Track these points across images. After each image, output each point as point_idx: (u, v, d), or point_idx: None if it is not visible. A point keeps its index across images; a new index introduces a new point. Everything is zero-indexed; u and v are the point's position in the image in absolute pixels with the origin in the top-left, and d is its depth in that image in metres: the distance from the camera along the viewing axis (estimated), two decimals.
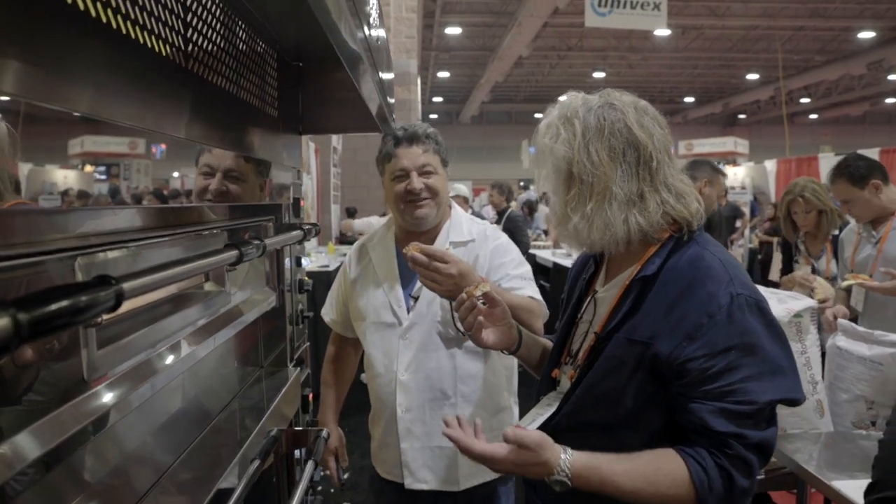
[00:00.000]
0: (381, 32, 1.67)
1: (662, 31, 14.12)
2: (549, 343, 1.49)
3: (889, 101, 25.30)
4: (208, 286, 1.07)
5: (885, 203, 2.77)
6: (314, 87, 1.57)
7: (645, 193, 1.14)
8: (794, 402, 1.11)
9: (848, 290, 2.86)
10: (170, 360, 0.88)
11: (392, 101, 1.86)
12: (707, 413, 1.07)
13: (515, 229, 6.32)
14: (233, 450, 1.09)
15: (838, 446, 2.02)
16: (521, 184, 18.48)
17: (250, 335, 1.43)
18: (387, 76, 1.68)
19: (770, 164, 14.75)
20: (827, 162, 11.92)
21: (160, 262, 0.62)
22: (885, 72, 19.20)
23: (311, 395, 1.60)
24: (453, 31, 17.20)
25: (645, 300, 1.15)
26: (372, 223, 6.33)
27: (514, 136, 27.56)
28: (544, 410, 1.25)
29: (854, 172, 2.75)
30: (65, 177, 0.61)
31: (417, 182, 1.78)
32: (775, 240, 7.89)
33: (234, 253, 0.80)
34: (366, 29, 1.28)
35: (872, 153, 9.29)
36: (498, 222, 6.88)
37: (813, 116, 28.23)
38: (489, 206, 10.09)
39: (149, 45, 0.71)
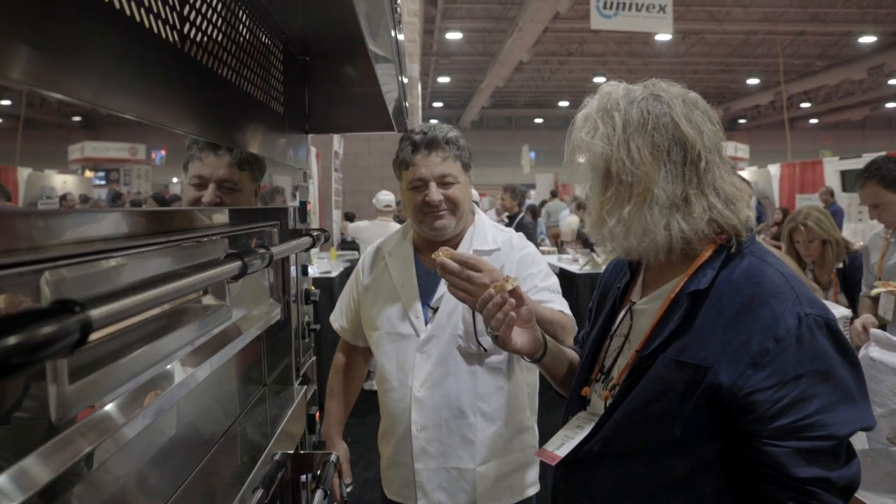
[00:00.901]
0: (402, 34, 1.57)
1: (663, 36, 14.07)
2: (574, 355, 1.37)
3: (889, 105, 25.27)
4: (207, 300, 0.95)
5: None
6: (323, 84, 1.46)
7: (690, 197, 1.03)
8: (868, 430, 0.99)
9: (875, 298, 2.74)
10: (161, 389, 0.76)
11: (407, 104, 1.74)
12: (784, 457, 0.95)
13: (526, 236, 6.13)
14: (235, 479, 1.00)
15: (874, 464, 1.90)
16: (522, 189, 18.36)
17: (252, 351, 1.31)
18: (404, 78, 1.57)
19: (774, 169, 14.66)
20: (831, 166, 11.84)
21: (144, 279, 0.50)
22: (886, 76, 19.19)
23: (317, 414, 1.49)
24: (454, 36, 17.15)
25: (696, 317, 1.02)
26: (360, 227, 6.22)
27: (515, 141, 27.55)
28: (574, 433, 1.13)
29: (886, 175, 2.64)
30: (63, 181, 0.53)
31: (436, 194, 1.66)
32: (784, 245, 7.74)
33: (236, 265, 0.69)
34: (396, 28, 1.17)
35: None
36: (508, 227, 6.69)
37: (813, 121, 28.23)
38: (492, 210, 9.95)
39: (138, 19, 0.60)
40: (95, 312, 0.35)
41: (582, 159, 1.10)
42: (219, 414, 1.16)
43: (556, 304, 1.68)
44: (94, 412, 0.62)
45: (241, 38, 0.96)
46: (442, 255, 1.32)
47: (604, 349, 1.20)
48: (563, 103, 27.47)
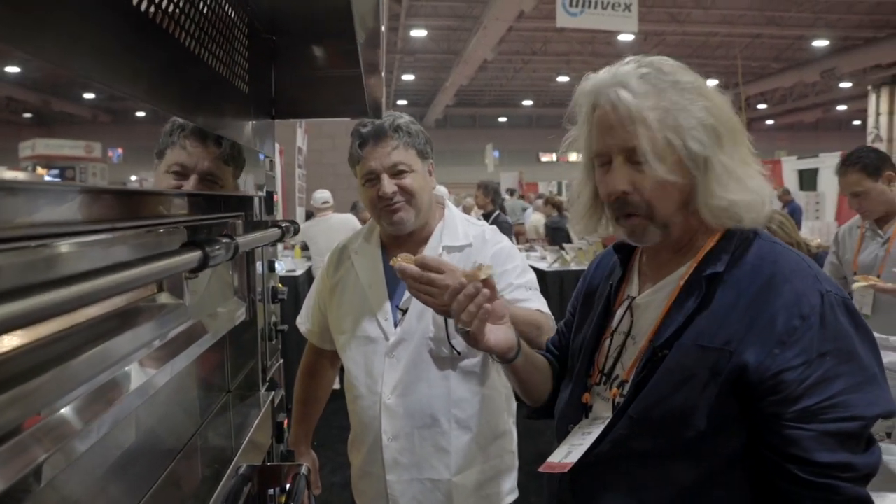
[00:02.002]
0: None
1: (626, 37, 14.20)
2: (544, 360, 1.28)
3: (840, 108, 26.06)
4: (162, 298, 0.85)
5: (895, 198, 2.67)
6: (290, 66, 1.35)
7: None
8: (892, 415, 0.94)
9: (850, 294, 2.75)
10: (110, 397, 0.66)
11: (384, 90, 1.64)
12: (809, 440, 0.89)
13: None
14: (197, 496, 0.91)
15: None
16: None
17: (215, 354, 1.20)
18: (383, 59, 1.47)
19: None
20: (789, 165, 12.15)
21: (73, 274, 0.40)
22: (837, 80, 19.72)
23: (285, 422, 1.38)
24: (418, 33, 17.04)
25: (711, 301, 0.97)
26: (302, 229, 6.05)
27: (479, 139, 27.58)
28: (582, 440, 1.04)
29: (869, 163, 2.64)
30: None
31: (389, 185, 1.55)
32: None
33: (195, 255, 0.58)
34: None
35: (833, 157, 9.42)
36: None
37: (769, 122, 28.93)
38: (459, 208, 9.86)
39: None
40: None
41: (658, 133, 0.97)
42: (178, 424, 1.05)
43: (534, 303, 1.59)
44: (40, 421, 0.52)
45: (203, 4, 0.85)
46: (401, 260, 1.22)
47: (602, 350, 1.12)
48: (527, 102, 27.60)
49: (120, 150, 0.67)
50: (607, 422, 1.03)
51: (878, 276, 2.64)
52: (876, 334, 1.97)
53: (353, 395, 1.67)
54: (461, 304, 1.11)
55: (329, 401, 1.93)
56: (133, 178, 0.71)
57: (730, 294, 0.96)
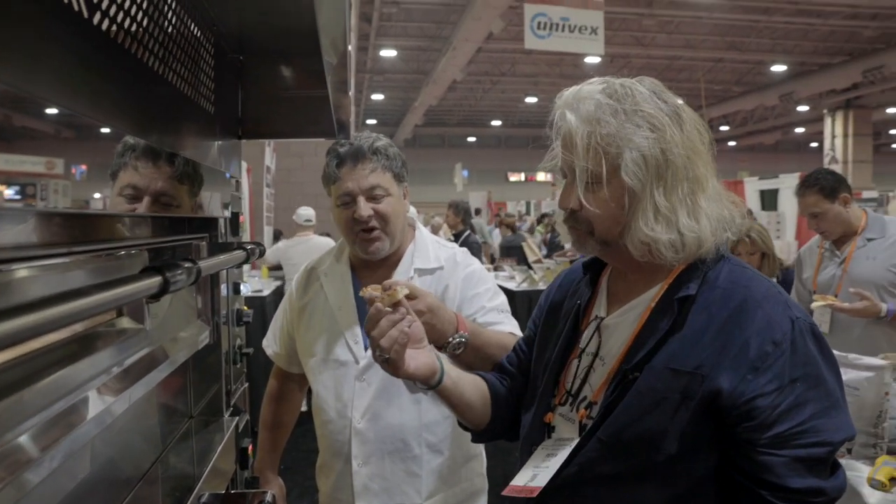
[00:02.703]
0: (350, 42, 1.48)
1: (593, 59, 14.47)
2: (478, 378, 1.25)
3: (798, 130, 26.90)
4: (123, 322, 0.82)
5: (852, 220, 2.75)
6: (258, 86, 1.34)
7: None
8: (852, 438, 0.97)
9: (811, 312, 2.81)
10: (68, 426, 0.63)
11: (351, 92, 1.63)
12: (782, 467, 0.90)
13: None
14: None
15: None
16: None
17: (177, 379, 1.17)
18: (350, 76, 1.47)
19: None
20: (751, 186, 12.44)
21: (33, 299, 0.38)
22: (795, 103, 20.38)
23: (250, 448, 1.35)
24: (388, 53, 17.14)
25: (683, 324, 0.97)
26: (281, 248, 5.90)
27: (448, 159, 27.73)
28: (549, 462, 1.03)
29: (826, 185, 2.73)
30: None
31: (365, 208, 1.53)
32: None
33: (155, 281, 0.57)
34: (347, 23, 1.08)
35: (793, 178, 9.69)
36: None
37: (731, 143, 29.66)
38: (427, 228, 9.87)
39: None
40: None
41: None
42: (137, 452, 1.01)
43: (506, 326, 1.57)
44: None
45: (167, 23, 0.84)
46: (370, 290, 1.17)
47: (568, 370, 1.11)
48: (496, 122, 27.88)
49: (83, 167, 0.66)
50: (574, 443, 1.02)
51: (836, 296, 2.71)
52: (835, 352, 2.03)
53: (323, 419, 1.64)
54: (382, 329, 1.07)
55: (296, 424, 1.89)
56: (97, 195, 0.69)
57: (701, 318, 0.96)
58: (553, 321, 1.21)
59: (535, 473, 1.03)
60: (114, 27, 0.65)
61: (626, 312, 1.06)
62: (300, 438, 1.73)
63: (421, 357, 1.12)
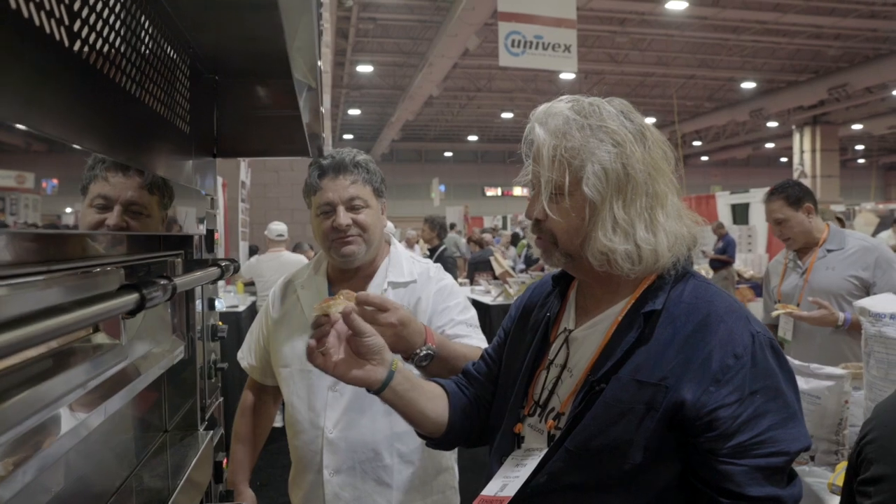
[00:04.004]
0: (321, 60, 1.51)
1: (567, 76, 14.69)
2: (435, 386, 1.27)
3: (769, 145, 27.49)
4: (99, 338, 0.84)
5: (814, 230, 2.84)
6: (233, 105, 1.36)
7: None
8: (808, 449, 1.00)
9: (774, 323, 2.89)
10: (44, 440, 0.65)
11: (324, 109, 1.67)
12: (741, 475, 0.94)
13: (448, 269, 5.93)
14: None
15: None
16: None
17: (152, 393, 1.19)
18: (325, 97, 1.50)
19: None
20: (723, 200, 12.69)
21: (9, 317, 0.41)
22: (765, 119, 20.86)
23: (224, 461, 1.36)
24: (365, 69, 17.22)
25: (650, 337, 1.00)
26: (253, 265, 5.81)
27: (424, 174, 27.85)
28: (516, 472, 1.06)
29: (791, 194, 2.84)
30: None
31: (344, 218, 1.58)
32: None
33: (131, 298, 0.59)
34: (318, 45, 1.11)
35: (763, 192, 9.88)
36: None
37: (704, 158, 30.22)
38: (403, 242, 9.90)
39: (15, 6, 0.51)
40: None
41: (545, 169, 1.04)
42: (112, 466, 1.03)
43: (473, 340, 1.61)
44: None
45: (143, 46, 0.87)
46: (342, 297, 1.22)
47: (537, 381, 1.14)
48: (473, 137, 28.08)
49: (55, 181, 0.66)
50: (543, 453, 1.05)
51: (798, 304, 2.80)
52: (796, 362, 2.10)
53: (295, 430, 1.66)
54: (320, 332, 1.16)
55: (272, 439, 1.90)
56: (69, 210, 0.70)
57: (666, 331, 1.00)
58: (523, 332, 1.24)
59: (505, 483, 1.05)
60: (93, 54, 0.67)
61: (594, 325, 1.09)
62: (276, 455, 1.74)
63: (358, 371, 1.17)
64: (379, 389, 1.17)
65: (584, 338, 1.09)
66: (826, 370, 2.05)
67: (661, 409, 0.96)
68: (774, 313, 2.79)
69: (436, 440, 1.29)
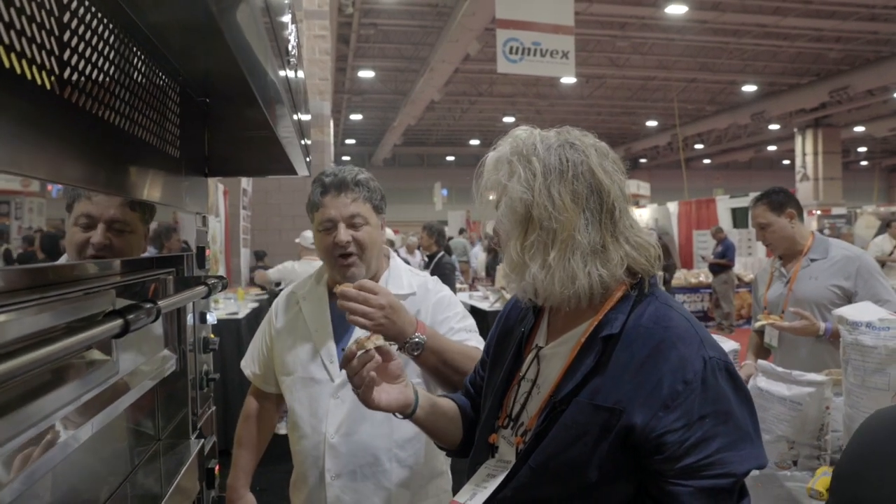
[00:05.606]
0: (301, 73, 1.56)
1: (568, 80, 14.74)
2: (450, 402, 1.36)
3: (771, 148, 27.45)
4: (91, 355, 0.90)
5: (797, 236, 2.88)
6: (223, 126, 1.42)
7: (608, 244, 1.05)
8: (761, 468, 1.04)
9: (761, 331, 2.93)
10: (37, 454, 0.71)
11: (309, 142, 1.73)
12: (687, 496, 0.98)
13: (443, 277, 5.99)
14: None
15: (764, 489, 2.00)
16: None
17: (145, 404, 1.24)
18: (304, 117, 1.56)
19: (672, 206, 15.55)
20: (723, 204, 12.70)
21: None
22: (766, 122, 20.85)
23: (217, 468, 1.42)
24: (366, 74, 17.29)
25: (608, 361, 1.04)
26: (287, 269, 5.87)
27: (427, 178, 27.92)
28: (486, 482, 1.11)
29: (774, 199, 2.89)
30: None
31: (344, 234, 1.66)
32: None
33: (115, 324, 0.65)
34: (287, 68, 1.16)
35: None
36: (427, 267, 6.45)
37: (706, 161, 30.19)
38: (403, 248, 9.95)
39: (7, 64, 0.57)
40: None
41: (491, 197, 1.13)
42: (105, 474, 1.08)
43: (473, 342, 1.69)
44: None
45: (132, 82, 0.93)
46: (342, 287, 1.44)
47: (510, 394, 1.19)
48: (475, 141, 28.13)
49: (60, 185, 0.70)
50: (510, 467, 1.11)
51: (783, 313, 2.83)
52: (779, 369, 2.14)
53: (298, 435, 1.72)
54: (354, 368, 1.22)
55: (274, 445, 1.96)
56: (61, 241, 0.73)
57: (623, 356, 1.03)
58: (503, 345, 1.30)
59: (475, 492, 1.11)
60: (82, 97, 0.73)
61: (561, 345, 1.13)
62: (278, 460, 1.80)
63: (394, 392, 1.26)
64: (412, 412, 1.27)
65: (553, 355, 1.14)
66: (808, 377, 2.09)
67: (613, 432, 1.00)
68: (757, 324, 2.84)
69: (453, 451, 1.39)
